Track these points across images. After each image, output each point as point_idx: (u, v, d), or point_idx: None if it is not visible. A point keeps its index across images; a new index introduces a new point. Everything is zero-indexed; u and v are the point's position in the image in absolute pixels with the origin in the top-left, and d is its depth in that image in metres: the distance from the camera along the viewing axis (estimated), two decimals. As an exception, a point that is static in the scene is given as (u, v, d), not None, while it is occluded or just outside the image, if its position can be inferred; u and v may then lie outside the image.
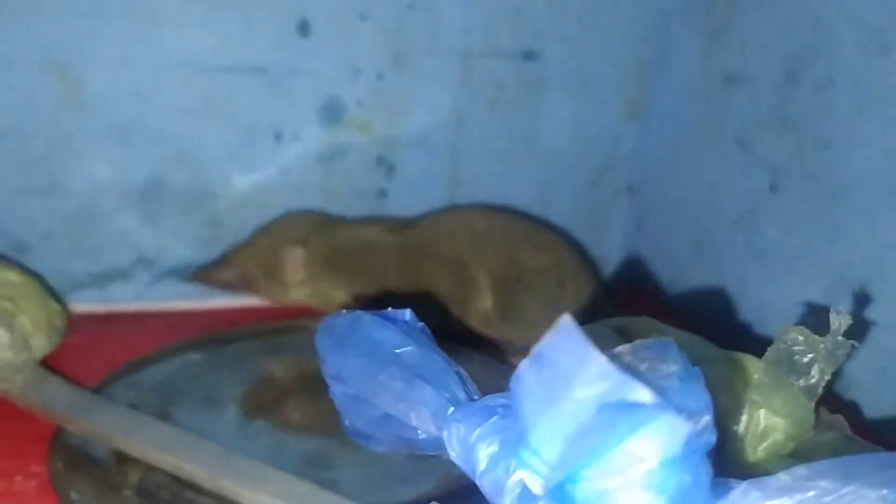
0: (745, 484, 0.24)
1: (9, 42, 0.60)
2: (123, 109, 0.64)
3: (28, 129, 0.62)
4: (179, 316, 0.69)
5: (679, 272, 0.74)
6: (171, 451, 0.46)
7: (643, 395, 0.19)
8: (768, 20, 0.62)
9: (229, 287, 0.68)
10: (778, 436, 0.34)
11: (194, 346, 0.60)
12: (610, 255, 0.81)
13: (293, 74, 0.67)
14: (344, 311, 0.39)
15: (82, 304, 0.67)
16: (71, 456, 0.48)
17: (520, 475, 0.27)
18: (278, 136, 0.69)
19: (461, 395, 0.32)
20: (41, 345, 0.57)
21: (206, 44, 0.64)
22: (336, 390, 0.37)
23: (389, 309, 0.38)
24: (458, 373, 0.33)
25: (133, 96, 0.63)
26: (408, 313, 0.38)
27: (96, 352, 0.62)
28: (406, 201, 0.73)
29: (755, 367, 0.37)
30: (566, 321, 0.20)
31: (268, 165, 0.69)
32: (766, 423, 0.34)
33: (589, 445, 0.21)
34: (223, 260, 0.68)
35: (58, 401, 0.51)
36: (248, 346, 0.62)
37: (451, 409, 0.31)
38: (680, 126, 0.74)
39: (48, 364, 0.57)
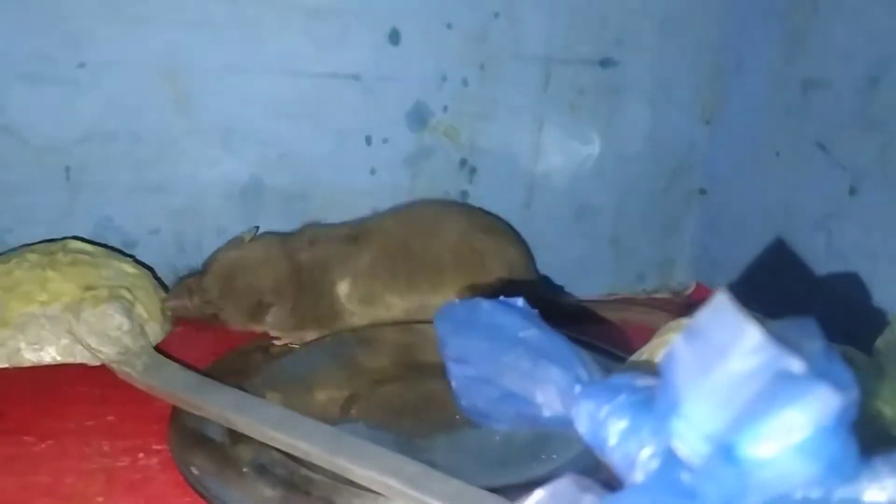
0: (886, 457, 0.26)
1: (124, 48, 0.64)
2: (227, 113, 0.67)
3: (140, 132, 0.66)
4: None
5: (754, 273, 0.75)
6: (285, 430, 0.48)
7: (798, 366, 0.21)
8: (850, 27, 0.63)
9: (187, 314, 0.63)
10: (885, 422, 0.35)
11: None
12: (682, 256, 0.82)
13: (384, 81, 0.70)
14: (456, 300, 0.42)
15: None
16: (189, 434, 0.51)
17: (650, 449, 0.29)
18: (369, 140, 0.72)
19: (584, 375, 0.34)
20: (155, 332, 0.61)
21: (304, 51, 0.67)
22: (456, 371, 0.39)
23: (501, 297, 0.41)
24: (579, 354, 0.35)
25: (236, 101, 0.67)
26: (520, 301, 0.40)
27: (200, 341, 0.65)
28: (487, 202, 0.76)
29: (858, 358, 0.38)
30: (721, 297, 0.22)
31: (358, 167, 0.72)
32: (874, 410, 0.35)
33: (744, 414, 0.23)
34: (182, 288, 0.63)
35: (176, 384, 0.54)
36: (344, 338, 0.64)
37: (578, 387, 0.34)
38: (755, 130, 0.75)
39: (160, 350, 0.59)
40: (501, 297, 0.40)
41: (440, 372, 0.44)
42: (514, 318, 0.37)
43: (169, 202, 0.68)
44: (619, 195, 0.78)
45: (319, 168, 0.71)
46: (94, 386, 0.56)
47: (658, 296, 0.83)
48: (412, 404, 0.56)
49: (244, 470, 0.48)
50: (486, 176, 0.76)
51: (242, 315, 0.63)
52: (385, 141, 0.72)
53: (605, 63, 0.75)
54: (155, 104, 0.66)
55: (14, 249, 0.63)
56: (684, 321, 0.52)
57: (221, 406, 0.51)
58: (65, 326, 0.55)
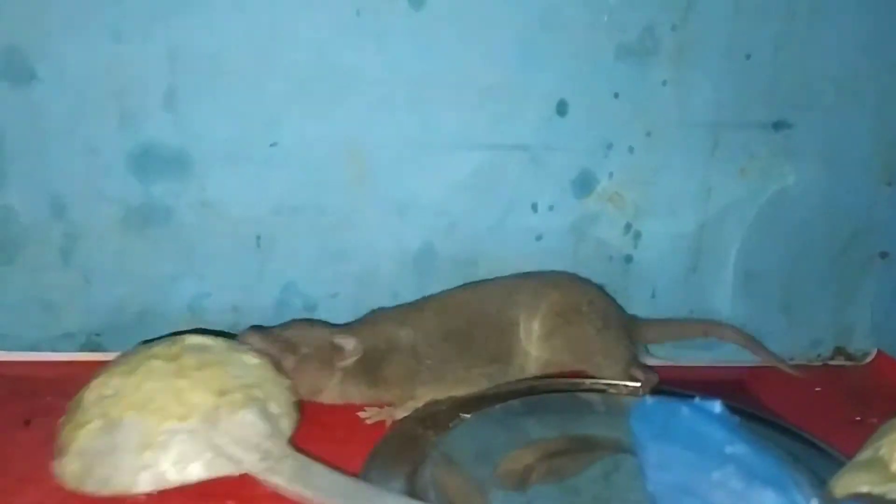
0: None
1: (312, 127, 0.67)
2: (404, 186, 0.69)
3: (324, 203, 0.69)
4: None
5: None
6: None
7: None
8: None
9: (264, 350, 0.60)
10: None
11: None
12: (862, 322, 0.77)
13: (551, 150, 0.70)
14: (648, 397, 0.41)
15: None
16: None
17: None
18: (534, 207, 0.72)
19: (802, 501, 0.33)
20: (288, 426, 0.55)
21: (477, 125, 0.68)
22: (655, 478, 0.38)
23: (697, 399, 0.39)
24: (793, 475, 0.34)
25: (412, 174, 0.69)
26: (718, 405, 0.39)
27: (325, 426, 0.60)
28: (651, 267, 0.74)
29: None
30: None
31: (524, 234, 0.72)
32: None
33: None
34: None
35: (329, 490, 0.48)
36: (513, 407, 0.64)
37: (797, 516, 0.32)
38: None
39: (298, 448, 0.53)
40: (698, 400, 0.39)
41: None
42: (719, 428, 0.36)
43: (348, 269, 0.71)
44: (792, 260, 0.74)
45: (488, 235, 0.72)
46: (243, 500, 0.50)
47: (834, 363, 0.78)
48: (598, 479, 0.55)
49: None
50: (651, 241, 0.74)
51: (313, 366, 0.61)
52: (551, 208, 0.72)
53: (778, 126, 0.72)
54: (337, 178, 0.69)
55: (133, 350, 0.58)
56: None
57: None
58: (206, 440, 0.50)
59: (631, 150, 0.71)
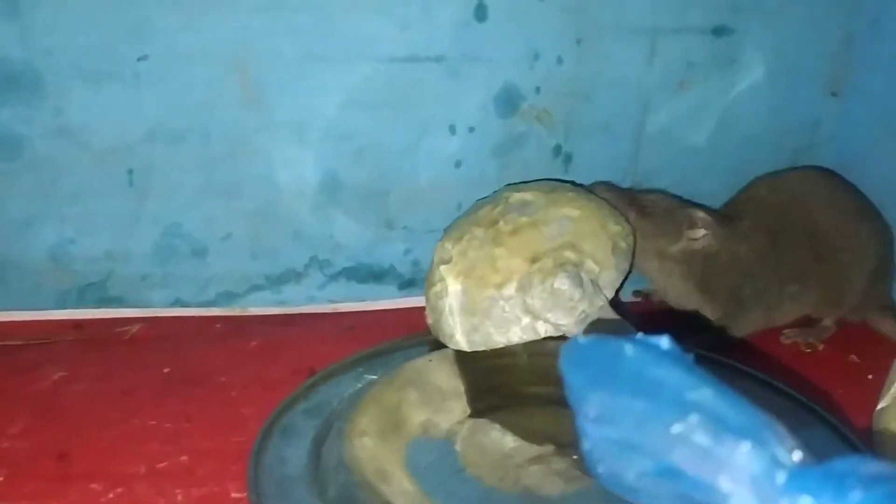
0: None
1: (189, 39, 0.56)
2: (300, 105, 0.59)
3: (207, 129, 0.58)
4: (356, 317, 0.64)
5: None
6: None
7: None
8: None
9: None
10: None
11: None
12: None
13: (469, 61, 0.60)
14: (581, 336, 0.32)
15: (258, 308, 0.64)
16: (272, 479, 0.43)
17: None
18: (452, 128, 0.62)
19: (784, 457, 0.25)
20: (611, 279, 0.54)
21: (384, 33, 0.58)
22: (595, 433, 0.30)
23: (641, 334, 0.31)
24: (771, 424, 0.26)
25: (309, 91, 0.58)
26: (665, 340, 0.30)
27: (277, 357, 0.58)
28: (584, 193, 0.66)
29: None
30: None
31: (442, 159, 0.63)
32: None
33: None
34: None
35: None
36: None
37: (781, 475, 0.24)
38: (894, 103, 0.63)
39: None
40: (641, 336, 0.31)
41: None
42: (674, 371, 0.28)
43: (241, 206, 0.61)
44: (735, 179, 0.66)
45: (400, 162, 0.62)
46: (166, 419, 0.50)
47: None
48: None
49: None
50: (584, 164, 0.66)
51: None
52: (471, 130, 0.63)
53: (718, 31, 0.64)
54: (222, 99, 0.58)
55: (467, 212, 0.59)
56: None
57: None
58: (522, 306, 0.52)
59: (560, 60, 0.62)
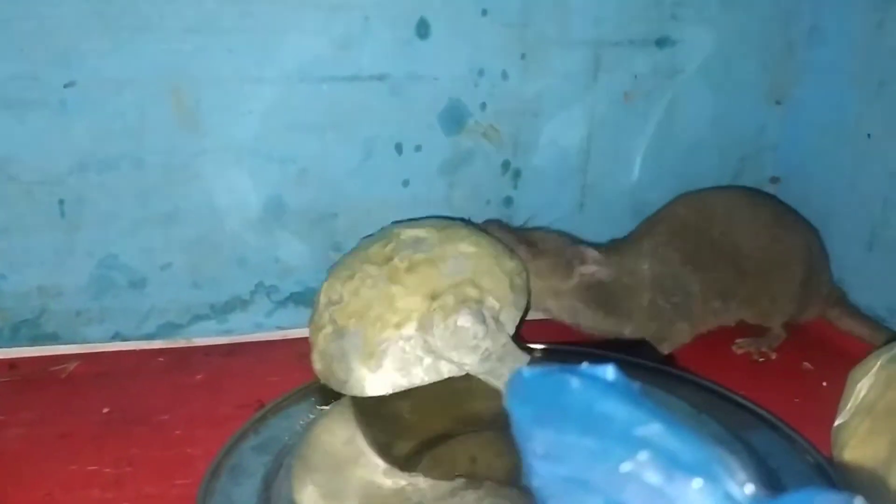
0: None
1: (118, 63, 0.53)
2: (239, 128, 0.57)
3: (141, 155, 0.56)
4: (306, 344, 0.62)
5: (842, 266, 0.64)
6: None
7: None
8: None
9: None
10: None
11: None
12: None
13: (413, 80, 0.59)
14: (525, 369, 0.31)
15: (202, 338, 0.62)
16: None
17: None
18: (398, 147, 0.61)
19: (737, 492, 0.24)
20: (511, 316, 0.51)
21: (324, 53, 0.56)
22: (542, 470, 0.29)
23: (585, 364, 0.30)
24: (723, 458, 0.25)
25: (248, 114, 0.57)
26: (610, 370, 0.29)
27: (224, 389, 0.56)
28: (534, 208, 0.65)
29: None
30: None
31: (389, 179, 0.62)
32: None
33: None
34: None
35: None
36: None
37: (733, 514, 0.23)
38: (836, 110, 0.64)
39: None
40: (587, 365, 0.30)
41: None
42: (622, 405, 0.27)
43: (180, 233, 0.58)
44: (682, 188, 0.66)
45: (346, 183, 0.60)
46: (107, 464, 0.47)
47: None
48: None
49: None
50: (533, 179, 0.65)
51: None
52: (418, 148, 0.61)
53: (662, 43, 0.64)
54: (157, 124, 0.55)
55: (353, 251, 0.55)
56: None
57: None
58: (423, 346, 0.49)
59: (505, 75, 0.61)
